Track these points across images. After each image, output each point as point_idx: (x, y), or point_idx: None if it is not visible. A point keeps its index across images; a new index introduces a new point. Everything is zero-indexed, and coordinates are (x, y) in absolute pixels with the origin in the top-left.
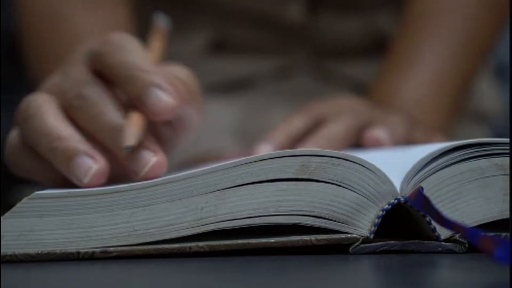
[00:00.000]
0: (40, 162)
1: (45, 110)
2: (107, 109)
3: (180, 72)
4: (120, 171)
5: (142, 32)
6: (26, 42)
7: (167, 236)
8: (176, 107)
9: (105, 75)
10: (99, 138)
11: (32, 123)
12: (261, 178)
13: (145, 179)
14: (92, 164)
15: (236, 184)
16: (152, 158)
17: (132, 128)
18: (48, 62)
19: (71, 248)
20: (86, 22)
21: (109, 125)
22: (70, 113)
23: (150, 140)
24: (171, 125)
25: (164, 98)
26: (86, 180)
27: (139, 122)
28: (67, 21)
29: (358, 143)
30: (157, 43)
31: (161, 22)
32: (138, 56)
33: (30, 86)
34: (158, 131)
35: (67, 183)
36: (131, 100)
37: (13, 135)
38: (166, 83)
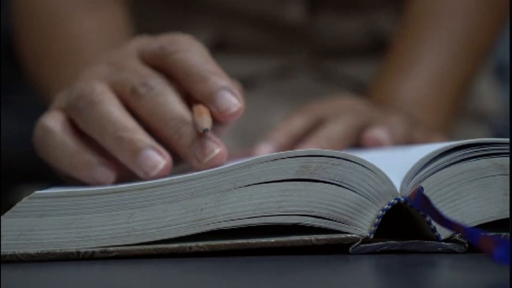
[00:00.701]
0: (87, 150)
1: (109, 97)
2: (171, 99)
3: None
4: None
5: (142, 32)
6: (23, 43)
7: (166, 236)
8: (241, 111)
9: (170, 72)
10: (160, 128)
11: (96, 110)
12: (262, 180)
13: (206, 168)
14: (160, 159)
15: (236, 186)
16: (215, 149)
17: (205, 115)
18: (47, 63)
19: (71, 248)
20: (85, 23)
21: (172, 115)
22: (129, 104)
23: (214, 133)
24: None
25: (234, 101)
26: (153, 173)
27: (207, 113)
28: (65, 21)
29: (358, 143)
30: None
31: None
32: (209, 59)
33: (29, 86)
34: None
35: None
36: (200, 99)
37: (55, 119)
38: (234, 88)
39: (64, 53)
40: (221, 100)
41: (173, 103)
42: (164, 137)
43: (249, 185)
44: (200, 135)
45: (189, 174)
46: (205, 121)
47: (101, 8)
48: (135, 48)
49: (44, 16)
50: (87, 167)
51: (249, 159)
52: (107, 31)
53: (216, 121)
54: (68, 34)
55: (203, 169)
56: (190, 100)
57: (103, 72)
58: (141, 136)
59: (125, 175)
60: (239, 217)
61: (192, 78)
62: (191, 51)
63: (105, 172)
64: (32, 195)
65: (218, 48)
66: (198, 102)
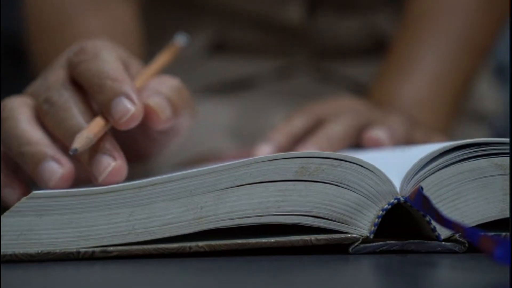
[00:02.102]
0: (7, 166)
1: (18, 113)
2: (72, 114)
3: (171, 82)
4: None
5: (144, 32)
6: (32, 43)
7: (167, 235)
8: (137, 117)
9: (79, 82)
10: (65, 143)
11: (4, 126)
12: (260, 180)
13: (104, 185)
14: (57, 168)
15: (235, 185)
16: (111, 163)
17: (83, 132)
18: (49, 57)
19: (71, 247)
20: (92, 23)
21: (72, 130)
22: (41, 117)
23: (112, 145)
24: (162, 130)
25: (128, 107)
26: (51, 184)
27: (98, 127)
28: (73, 21)
29: (358, 143)
30: (164, 58)
31: (180, 40)
32: (111, 65)
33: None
34: (149, 134)
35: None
36: (99, 109)
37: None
38: (134, 92)
39: None
40: (115, 108)
41: (72, 118)
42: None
43: (248, 184)
44: (94, 152)
45: (188, 171)
46: (77, 140)
47: (108, 6)
48: (64, 57)
49: (52, 16)
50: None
51: (247, 159)
52: (115, 31)
53: (117, 129)
54: (73, 33)
55: (102, 186)
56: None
57: (33, 85)
58: (44, 148)
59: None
60: (239, 216)
61: (92, 88)
62: (95, 59)
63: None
64: (30, 194)
65: (219, 49)
66: (101, 112)
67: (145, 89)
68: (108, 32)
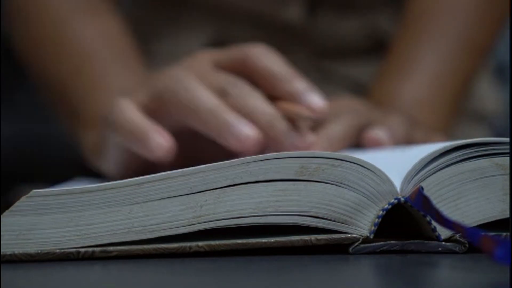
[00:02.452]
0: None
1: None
2: (259, 97)
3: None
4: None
5: (143, 32)
6: (25, 47)
7: (166, 233)
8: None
9: (251, 76)
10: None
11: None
12: (260, 179)
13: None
14: (250, 131)
15: (235, 183)
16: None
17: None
18: (49, 64)
19: (71, 246)
20: (87, 28)
21: (261, 110)
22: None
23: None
24: None
25: (318, 100)
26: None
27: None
28: (66, 24)
29: (358, 143)
30: None
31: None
32: (284, 65)
33: (29, 86)
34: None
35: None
36: (288, 97)
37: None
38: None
39: (67, 55)
40: (308, 98)
41: (261, 100)
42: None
43: (248, 183)
44: (294, 126)
45: (186, 169)
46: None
47: (99, 14)
48: (206, 58)
49: (45, 21)
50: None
51: (247, 157)
52: (110, 36)
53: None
54: (70, 36)
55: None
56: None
57: (191, 72)
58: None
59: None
60: (239, 216)
61: (278, 79)
62: (271, 58)
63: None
64: (30, 193)
65: (218, 49)
66: (279, 100)
67: None
68: (105, 37)
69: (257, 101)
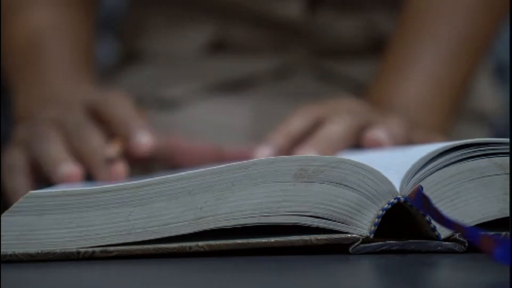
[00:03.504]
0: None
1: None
2: (97, 139)
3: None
4: None
5: (143, 31)
6: None
7: (166, 234)
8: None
9: (104, 119)
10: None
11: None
12: (259, 182)
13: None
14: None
15: (234, 186)
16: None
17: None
18: (9, 53)
19: (71, 247)
20: (46, 16)
21: (96, 150)
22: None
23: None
24: None
25: (146, 139)
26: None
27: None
28: (26, 12)
29: (357, 144)
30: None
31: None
32: (129, 110)
33: None
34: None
35: None
36: (122, 138)
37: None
38: (147, 129)
39: (25, 46)
40: (136, 138)
41: (94, 140)
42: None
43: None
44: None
45: (185, 172)
46: (111, 150)
47: (63, 4)
48: (81, 101)
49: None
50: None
51: (246, 161)
52: (69, 27)
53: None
54: (28, 25)
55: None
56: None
57: (51, 114)
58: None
59: None
60: (239, 217)
61: (117, 124)
62: (117, 105)
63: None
64: (28, 193)
65: (218, 48)
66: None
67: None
68: (64, 27)
69: (90, 142)
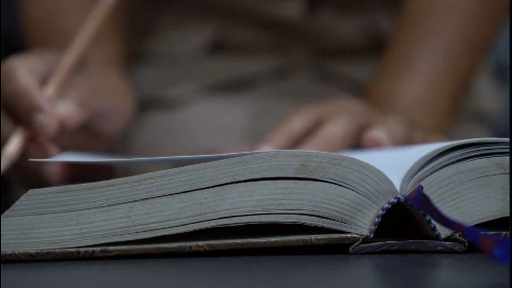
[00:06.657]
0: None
1: None
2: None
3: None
4: None
5: (142, 29)
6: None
7: (167, 232)
8: (51, 126)
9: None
10: None
11: None
12: (261, 176)
13: None
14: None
15: (235, 180)
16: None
17: (6, 151)
18: (30, 19)
19: (71, 245)
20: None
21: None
22: None
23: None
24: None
25: (41, 121)
26: None
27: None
28: (60, 24)
29: (357, 144)
30: (95, 19)
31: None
32: (23, 84)
33: None
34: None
35: None
36: (19, 122)
37: None
38: (46, 104)
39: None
40: (32, 122)
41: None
42: None
43: (248, 180)
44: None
45: (187, 166)
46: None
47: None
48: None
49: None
50: None
51: (248, 155)
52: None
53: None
54: (60, 34)
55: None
56: None
57: None
58: None
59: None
60: (239, 214)
61: (10, 106)
62: (9, 82)
63: None
64: (29, 192)
65: (218, 48)
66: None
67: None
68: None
69: None
